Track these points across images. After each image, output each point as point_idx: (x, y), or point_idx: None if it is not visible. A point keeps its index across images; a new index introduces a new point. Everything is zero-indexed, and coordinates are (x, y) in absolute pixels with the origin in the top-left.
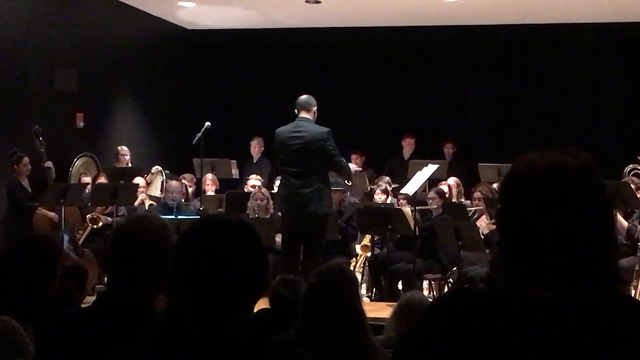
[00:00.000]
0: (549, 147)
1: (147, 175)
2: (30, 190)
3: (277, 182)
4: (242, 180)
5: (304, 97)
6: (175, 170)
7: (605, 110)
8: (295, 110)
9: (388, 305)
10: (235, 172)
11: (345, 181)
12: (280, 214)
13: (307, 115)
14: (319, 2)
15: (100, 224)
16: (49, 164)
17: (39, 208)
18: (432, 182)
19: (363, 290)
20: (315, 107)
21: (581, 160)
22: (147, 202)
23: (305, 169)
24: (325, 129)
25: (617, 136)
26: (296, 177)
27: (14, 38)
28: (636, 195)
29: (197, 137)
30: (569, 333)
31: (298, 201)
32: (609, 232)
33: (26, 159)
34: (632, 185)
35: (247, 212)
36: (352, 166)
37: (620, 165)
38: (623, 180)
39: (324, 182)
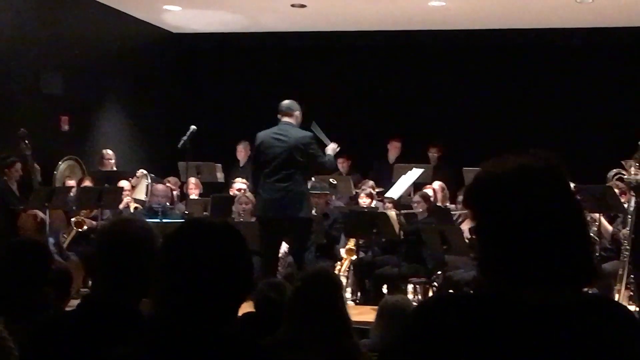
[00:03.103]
0: (496, 157)
1: (132, 178)
2: (18, 195)
3: None
4: (228, 184)
5: (286, 101)
6: (160, 174)
7: (589, 114)
8: (278, 115)
9: (373, 309)
10: (220, 176)
11: (330, 180)
12: (254, 219)
13: (290, 120)
14: (305, 6)
15: (85, 227)
16: (35, 166)
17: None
18: (418, 186)
19: (348, 294)
20: (299, 112)
21: (543, 161)
22: (132, 206)
23: (288, 173)
24: (309, 134)
25: (601, 140)
26: (279, 180)
27: None
28: (620, 200)
29: (182, 141)
30: (553, 335)
31: (281, 204)
32: (580, 230)
33: (18, 165)
34: (617, 190)
35: (233, 216)
36: (332, 146)
37: (604, 169)
38: (607, 184)
39: (306, 187)
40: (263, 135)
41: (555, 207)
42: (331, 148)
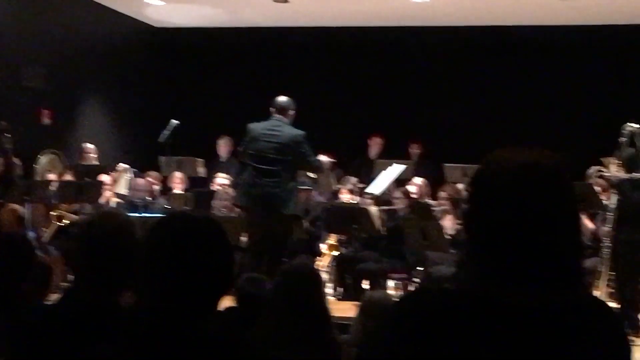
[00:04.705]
0: (515, 147)
1: (113, 172)
2: None
3: None
4: (210, 179)
5: (283, 99)
6: (141, 168)
7: (570, 111)
8: (270, 109)
9: (354, 305)
10: (201, 171)
11: (312, 178)
12: (238, 209)
13: (282, 117)
14: (287, 2)
15: (66, 221)
16: (15, 160)
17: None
18: (399, 182)
19: (329, 290)
20: (293, 112)
21: (553, 160)
22: (114, 200)
23: (276, 169)
24: (301, 132)
25: (581, 137)
26: (266, 176)
27: None
28: (599, 197)
29: (164, 135)
30: (534, 334)
31: (267, 200)
32: (575, 233)
33: (0, 160)
34: (597, 187)
35: (213, 211)
36: (324, 158)
37: (583, 166)
38: (587, 181)
39: (294, 183)
40: (254, 127)
41: (555, 208)
42: (323, 158)
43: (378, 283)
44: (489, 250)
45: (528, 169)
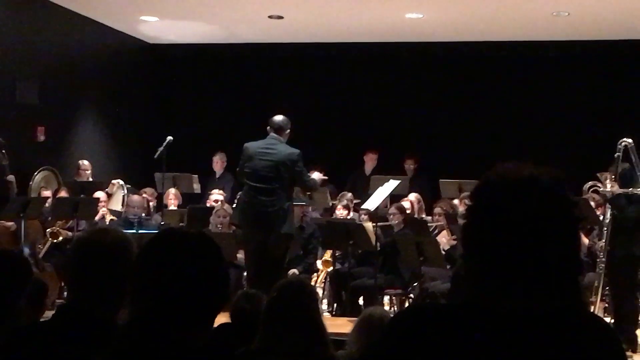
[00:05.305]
0: (516, 162)
1: (108, 189)
2: None
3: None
4: (205, 195)
5: (279, 118)
6: (136, 184)
7: (565, 126)
8: (267, 128)
9: (349, 321)
10: (196, 187)
11: (307, 194)
12: (234, 227)
13: (278, 136)
14: (282, 18)
15: (61, 238)
16: (11, 177)
17: None
18: (394, 197)
19: (324, 306)
20: (289, 130)
21: (553, 176)
22: (108, 217)
23: (272, 187)
24: (296, 151)
25: (576, 152)
26: (262, 194)
27: None
28: (595, 212)
29: (159, 152)
30: (531, 349)
31: (263, 218)
32: (574, 249)
33: None
34: (592, 202)
35: (210, 227)
36: (317, 175)
37: (580, 181)
38: (583, 197)
39: (289, 202)
40: (250, 146)
41: (553, 223)
42: (317, 176)
43: (373, 299)
44: (486, 264)
45: (528, 184)
